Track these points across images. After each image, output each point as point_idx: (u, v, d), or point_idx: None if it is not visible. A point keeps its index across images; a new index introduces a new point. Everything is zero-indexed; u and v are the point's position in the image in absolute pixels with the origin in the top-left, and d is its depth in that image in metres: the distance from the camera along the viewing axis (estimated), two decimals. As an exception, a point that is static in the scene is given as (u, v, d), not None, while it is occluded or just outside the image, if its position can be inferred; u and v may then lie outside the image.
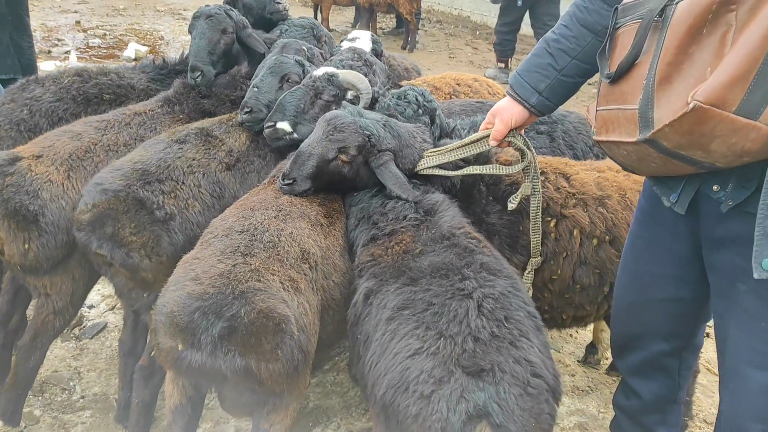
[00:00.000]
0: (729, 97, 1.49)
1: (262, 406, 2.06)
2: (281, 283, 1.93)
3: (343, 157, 2.37)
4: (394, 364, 1.73)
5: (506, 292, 1.86)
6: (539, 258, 2.55)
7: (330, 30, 10.86)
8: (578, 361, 3.63)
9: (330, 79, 2.71)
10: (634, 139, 1.69)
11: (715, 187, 1.78)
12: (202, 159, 2.64)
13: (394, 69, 4.21)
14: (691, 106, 1.50)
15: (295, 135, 2.74)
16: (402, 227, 2.25)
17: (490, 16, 12.28)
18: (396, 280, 1.98)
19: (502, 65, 9.07)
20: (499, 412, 1.58)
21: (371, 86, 2.76)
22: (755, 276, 1.61)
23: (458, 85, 3.96)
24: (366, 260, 2.19)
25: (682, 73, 1.60)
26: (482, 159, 2.61)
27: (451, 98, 3.87)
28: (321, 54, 3.43)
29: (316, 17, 11.21)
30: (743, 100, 1.49)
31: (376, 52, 3.51)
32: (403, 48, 10.31)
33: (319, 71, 2.78)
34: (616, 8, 1.91)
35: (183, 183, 2.53)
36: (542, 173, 2.69)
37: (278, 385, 1.93)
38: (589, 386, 3.43)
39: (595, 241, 2.60)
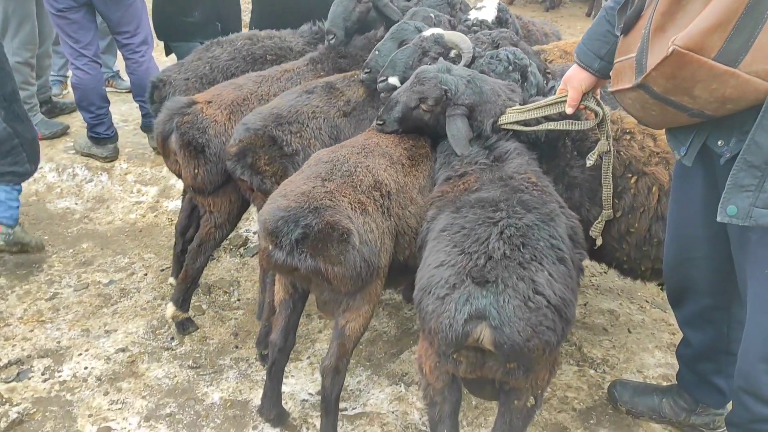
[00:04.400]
0: (707, 43, 1.63)
1: (338, 305, 2.56)
2: (350, 204, 2.39)
3: (423, 106, 2.75)
4: (426, 272, 2.12)
5: (532, 225, 2.14)
6: (610, 211, 2.72)
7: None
8: (679, 324, 3.68)
9: (436, 39, 3.08)
10: (631, 85, 1.87)
11: (719, 142, 1.89)
12: (324, 106, 3.15)
13: (533, 34, 4.42)
14: (670, 50, 1.66)
15: None
16: (471, 170, 2.59)
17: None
18: (448, 209, 2.35)
19: None
20: (497, 316, 1.90)
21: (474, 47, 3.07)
22: (718, 219, 1.76)
23: (589, 49, 4.05)
24: (436, 195, 2.57)
25: (675, 23, 1.74)
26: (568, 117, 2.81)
27: (579, 62, 3.98)
28: (450, 21, 3.77)
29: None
30: (722, 47, 1.62)
31: (501, 20, 3.76)
32: (588, 15, 10.07)
33: (428, 32, 3.14)
34: None
35: (307, 125, 3.08)
36: (629, 133, 2.83)
37: (344, 286, 2.40)
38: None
39: None
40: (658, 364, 3.38)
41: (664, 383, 3.19)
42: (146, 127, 5.41)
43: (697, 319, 2.53)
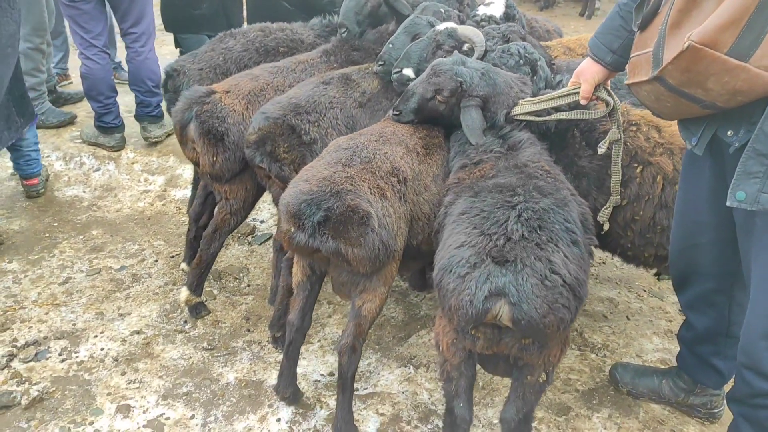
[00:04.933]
0: (721, 39, 1.75)
1: (356, 286, 2.67)
2: (369, 189, 2.50)
3: (439, 97, 2.87)
4: (447, 253, 2.24)
5: (548, 209, 2.26)
6: (618, 197, 2.85)
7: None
8: (679, 310, 3.83)
9: (450, 33, 3.19)
10: (647, 78, 1.99)
11: (729, 132, 2.02)
12: (341, 97, 3.26)
13: (536, 31, 4.54)
14: (686, 45, 1.79)
15: None
16: (487, 158, 2.71)
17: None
18: (466, 194, 2.47)
19: None
20: (515, 293, 2.02)
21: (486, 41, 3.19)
22: (727, 203, 1.89)
23: (592, 46, 4.19)
24: (452, 182, 2.69)
25: (690, 20, 1.87)
26: (576, 108, 2.93)
27: (582, 58, 4.12)
28: (459, 16, 3.89)
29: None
30: (734, 43, 1.74)
31: (509, 15, 3.88)
32: (581, 15, 10.23)
33: (442, 26, 3.26)
34: None
35: (324, 115, 3.18)
36: (635, 124, 2.96)
37: (363, 267, 2.51)
38: (681, 333, 3.64)
39: (677, 187, 2.82)
40: (656, 349, 3.53)
41: (662, 367, 3.33)
42: (138, 117, 5.48)
43: (700, 303, 2.66)
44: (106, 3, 4.99)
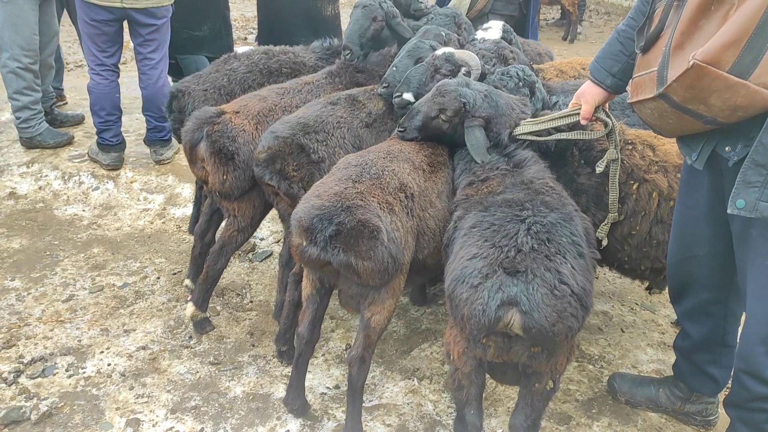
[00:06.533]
0: (722, 58, 1.88)
1: (365, 298, 2.75)
2: (379, 204, 2.60)
3: (443, 116, 3.00)
4: (459, 264, 2.34)
5: (555, 222, 2.37)
6: (615, 214, 2.98)
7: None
8: (671, 322, 3.99)
9: (447, 57, 3.33)
10: (652, 95, 2.12)
11: (727, 148, 2.16)
12: (348, 117, 3.37)
13: (528, 54, 4.69)
14: (690, 63, 1.92)
15: None
16: (493, 175, 2.83)
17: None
18: (476, 209, 2.58)
19: None
20: (527, 302, 2.12)
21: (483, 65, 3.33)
22: (728, 211, 2.02)
23: (583, 69, 4.36)
24: (461, 198, 2.81)
25: (693, 42, 2.00)
26: (575, 129, 3.07)
27: (574, 80, 4.29)
28: (458, 39, 4.04)
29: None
30: (735, 62, 1.88)
31: (506, 40, 4.05)
32: (564, 39, 10.50)
33: (439, 51, 3.40)
34: None
35: (332, 135, 3.29)
36: (630, 143, 3.10)
37: (372, 279, 2.60)
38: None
39: (671, 203, 2.94)
40: (650, 360, 3.65)
41: (659, 377, 3.45)
42: (150, 141, 5.56)
43: (696, 313, 2.78)
44: (125, 26, 5.08)
